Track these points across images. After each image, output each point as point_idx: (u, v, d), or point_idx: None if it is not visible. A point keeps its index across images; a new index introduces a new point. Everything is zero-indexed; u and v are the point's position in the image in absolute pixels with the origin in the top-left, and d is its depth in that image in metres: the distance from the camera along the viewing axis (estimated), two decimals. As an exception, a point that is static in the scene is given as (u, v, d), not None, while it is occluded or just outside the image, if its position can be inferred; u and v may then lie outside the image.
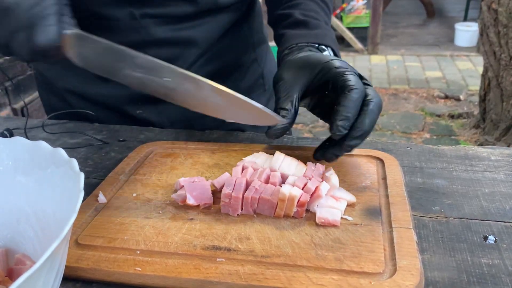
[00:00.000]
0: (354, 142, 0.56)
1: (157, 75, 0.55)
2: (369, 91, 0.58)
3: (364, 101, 0.57)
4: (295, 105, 0.59)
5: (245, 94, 0.86)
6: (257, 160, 0.60)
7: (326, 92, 0.61)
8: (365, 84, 0.59)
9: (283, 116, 0.58)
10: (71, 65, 0.75)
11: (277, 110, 0.59)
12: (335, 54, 0.70)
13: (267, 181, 0.56)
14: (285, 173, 0.57)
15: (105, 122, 0.85)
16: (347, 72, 0.58)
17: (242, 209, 0.54)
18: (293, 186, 0.53)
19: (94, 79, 0.79)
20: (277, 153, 0.60)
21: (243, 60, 0.90)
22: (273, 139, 0.65)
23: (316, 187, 0.53)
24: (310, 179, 0.55)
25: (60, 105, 0.89)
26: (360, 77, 0.60)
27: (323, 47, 0.69)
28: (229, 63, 0.87)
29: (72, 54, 0.56)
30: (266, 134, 0.59)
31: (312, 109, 0.65)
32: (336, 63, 0.60)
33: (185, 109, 0.83)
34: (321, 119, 0.65)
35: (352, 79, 0.57)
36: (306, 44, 0.68)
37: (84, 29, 0.72)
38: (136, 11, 0.74)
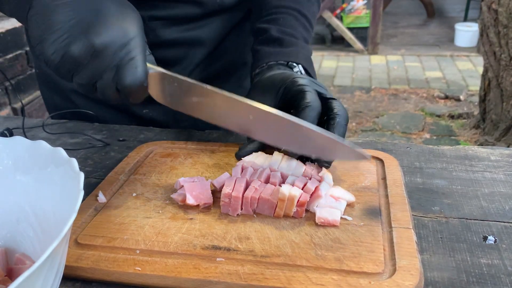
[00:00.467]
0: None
1: (239, 112, 0.55)
2: (334, 105, 0.59)
3: (330, 116, 0.58)
4: None
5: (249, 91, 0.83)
6: (257, 160, 0.60)
7: (291, 110, 0.60)
8: (328, 99, 0.60)
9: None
10: None
11: None
12: (307, 71, 0.71)
13: (267, 180, 0.56)
14: (284, 173, 0.57)
15: (111, 121, 0.86)
16: (306, 89, 0.59)
17: (242, 209, 0.54)
18: (292, 186, 0.53)
19: None
20: (276, 153, 0.60)
21: (248, 59, 0.90)
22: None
23: (316, 187, 0.53)
24: (310, 178, 0.55)
25: (64, 104, 0.89)
26: (320, 93, 0.60)
27: (294, 64, 0.69)
28: (234, 62, 0.88)
29: (155, 92, 0.56)
30: (236, 155, 0.62)
31: None
32: (299, 80, 0.61)
33: None
34: None
35: (308, 97, 0.58)
36: (276, 62, 0.69)
37: None
38: (144, 13, 0.74)
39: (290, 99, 0.60)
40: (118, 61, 0.51)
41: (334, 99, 0.60)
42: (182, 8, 0.77)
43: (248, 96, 0.63)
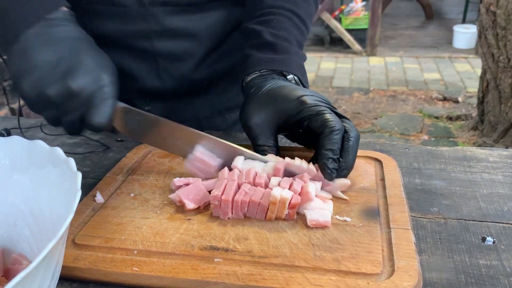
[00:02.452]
0: (341, 177, 0.57)
1: (193, 144, 0.60)
2: (348, 126, 0.58)
3: (344, 138, 0.57)
4: (275, 143, 0.60)
5: None
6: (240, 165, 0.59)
7: (301, 130, 0.60)
8: (341, 117, 0.59)
9: (267, 152, 0.59)
10: None
11: (257, 148, 0.60)
12: (300, 80, 0.68)
13: (254, 182, 0.55)
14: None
15: None
16: (325, 112, 0.57)
17: (232, 213, 0.53)
18: (282, 188, 0.53)
19: None
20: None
21: None
22: None
23: (302, 187, 0.53)
24: (294, 179, 0.55)
25: None
26: (335, 112, 0.59)
27: (287, 72, 0.67)
28: (239, 62, 0.86)
29: (118, 125, 0.60)
30: None
31: (287, 137, 0.67)
32: (308, 100, 0.59)
33: (194, 108, 0.82)
34: (297, 143, 0.66)
35: (331, 119, 0.56)
36: (268, 71, 0.66)
37: (94, 15, 0.75)
38: None
39: (302, 118, 0.58)
40: (89, 103, 0.54)
41: (346, 118, 0.59)
42: None
43: (245, 110, 0.62)
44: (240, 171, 0.57)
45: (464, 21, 6.07)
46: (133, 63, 0.78)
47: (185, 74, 0.79)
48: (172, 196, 0.56)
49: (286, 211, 0.52)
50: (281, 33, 0.69)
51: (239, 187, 0.54)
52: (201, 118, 0.85)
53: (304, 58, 0.71)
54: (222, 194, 0.52)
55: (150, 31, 0.75)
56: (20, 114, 2.05)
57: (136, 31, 0.75)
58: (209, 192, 0.56)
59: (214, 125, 0.85)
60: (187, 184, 0.58)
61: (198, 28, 0.77)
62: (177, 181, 0.58)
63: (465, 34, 5.22)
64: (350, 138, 0.56)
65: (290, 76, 0.66)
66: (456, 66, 4.68)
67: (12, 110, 2.08)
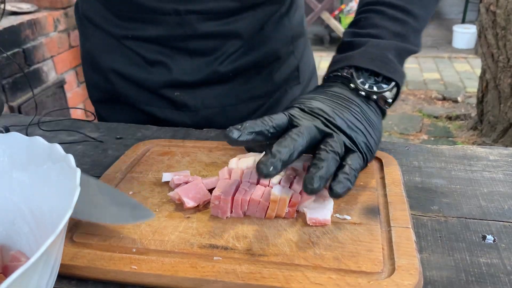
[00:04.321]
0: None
1: None
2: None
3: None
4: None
5: (280, 85, 0.87)
6: (240, 164, 0.58)
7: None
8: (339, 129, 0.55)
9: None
10: (118, 46, 0.84)
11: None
12: (374, 71, 0.59)
13: (258, 181, 0.55)
14: None
15: (144, 102, 0.89)
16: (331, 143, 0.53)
17: (232, 212, 0.53)
18: (283, 187, 0.53)
19: (138, 62, 0.85)
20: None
21: (281, 52, 0.89)
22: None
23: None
24: (294, 177, 0.55)
25: (103, 84, 0.91)
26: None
27: (352, 71, 0.60)
28: (267, 55, 0.87)
29: None
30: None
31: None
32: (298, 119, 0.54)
33: (219, 96, 0.86)
34: None
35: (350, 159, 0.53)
36: (333, 75, 0.62)
37: (129, 20, 0.82)
38: (180, 7, 0.77)
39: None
40: None
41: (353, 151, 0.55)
42: (219, 2, 0.78)
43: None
44: (241, 170, 0.56)
45: (463, 21, 6.06)
46: (168, 59, 0.83)
47: (213, 68, 0.83)
48: (171, 194, 0.56)
49: (286, 209, 0.52)
50: (363, 30, 0.64)
51: (238, 186, 0.54)
52: (225, 105, 0.88)
53: (402, 47, 0.62)
54: (222, 193, 0.52)
55: (185, 36, 0.80)
56: (19, 112, 2.04)
57: (173, 35, 0.80)
58: (209, 190, 0.56)
59: (237, 112, 0.88)
60: (186, 182, 0.57)
61: (232, 30, 0.81)
62: (176, 179, 0.58)
63: (464, 34, 5.22)
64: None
65: (354, 82, 0.59)
66: (456, 66, 4.68)
67: (11, 108, 2.07)
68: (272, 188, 0.52)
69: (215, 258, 0.46)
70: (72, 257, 0.47)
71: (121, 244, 0.49)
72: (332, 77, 0.63)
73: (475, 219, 0.54)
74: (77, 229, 0.52)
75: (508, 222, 0.53)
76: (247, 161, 0.58)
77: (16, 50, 2.13)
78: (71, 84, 2.62)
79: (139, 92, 0.88)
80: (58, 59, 2.48)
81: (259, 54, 0.86)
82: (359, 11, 0.67)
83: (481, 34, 2.95)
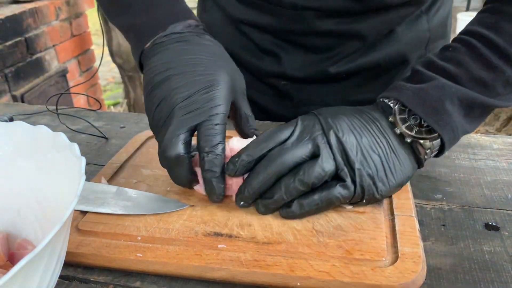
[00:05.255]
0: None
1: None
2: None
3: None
4: None
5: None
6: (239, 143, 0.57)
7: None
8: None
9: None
10: (232, 28, 0.83)
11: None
12: (415, 114, 0.52)
13: None
14: None
15: (248, 87, 0.77)
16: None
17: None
18: None
19: (251, 48, 0.82)
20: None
21: (411, 56, 0.78)
22: None
23: None
24: None
25: None
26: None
27: (391, 105, 0.54)
28: (392, 58, 0.77)
29: None
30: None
31: None
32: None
33: (323, 94, 0.83)
34: None
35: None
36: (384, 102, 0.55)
37: (248, 6, 0.80)
38: (298, 1, 0.72)
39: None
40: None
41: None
42: (337, 1, 0.71)
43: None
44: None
45: (468, 9, 6.01)
46: (281, 50, 0.80)
47: (325, 66, 0.79)
48: (196, 187, 0.54)
49: None
50: (441, 62, 0.54)
51: None
52: (329, 104, 0.78)
53: (475, 98, 0.52)
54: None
55: (301, 31, 0.76)
56: (22, 101, 2.04)
57: (288, 28, 0.77)
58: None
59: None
60: None
61: (353, 30, 0.74)
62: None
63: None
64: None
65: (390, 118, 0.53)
66: (459, 54, 4.64)
67: (14, 97, 2.07)
68: None
69: (219, 246, 0.47)
70: (77, 245, 0.48)
71: (126, 232, 0.49)
72: (380, 101, 0.56)
73: (478, 207, 0.54)
74: (82, 217, 0.52)
75: (511, 210, 0.53)
76: (247, 141, 0.57)
77: (18, 39, 2.12)
78: (73, 73, 2.62)
79: (245, 75, 0.78)
80: (61, 48, 2.48)
81: (381, 56, 0.77)
82: (455, 38, 0.58)
83: (485, 21, 2.92)
